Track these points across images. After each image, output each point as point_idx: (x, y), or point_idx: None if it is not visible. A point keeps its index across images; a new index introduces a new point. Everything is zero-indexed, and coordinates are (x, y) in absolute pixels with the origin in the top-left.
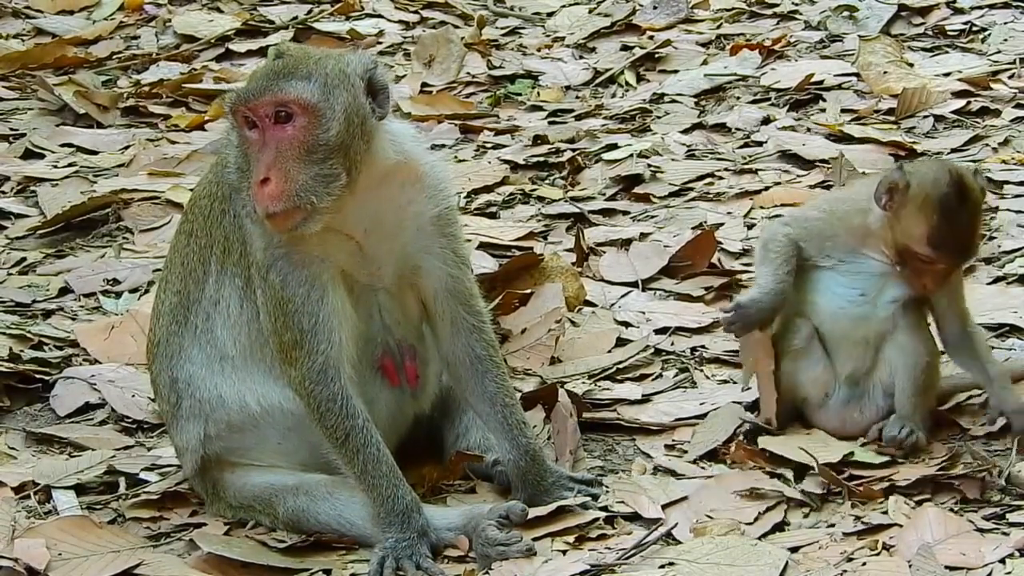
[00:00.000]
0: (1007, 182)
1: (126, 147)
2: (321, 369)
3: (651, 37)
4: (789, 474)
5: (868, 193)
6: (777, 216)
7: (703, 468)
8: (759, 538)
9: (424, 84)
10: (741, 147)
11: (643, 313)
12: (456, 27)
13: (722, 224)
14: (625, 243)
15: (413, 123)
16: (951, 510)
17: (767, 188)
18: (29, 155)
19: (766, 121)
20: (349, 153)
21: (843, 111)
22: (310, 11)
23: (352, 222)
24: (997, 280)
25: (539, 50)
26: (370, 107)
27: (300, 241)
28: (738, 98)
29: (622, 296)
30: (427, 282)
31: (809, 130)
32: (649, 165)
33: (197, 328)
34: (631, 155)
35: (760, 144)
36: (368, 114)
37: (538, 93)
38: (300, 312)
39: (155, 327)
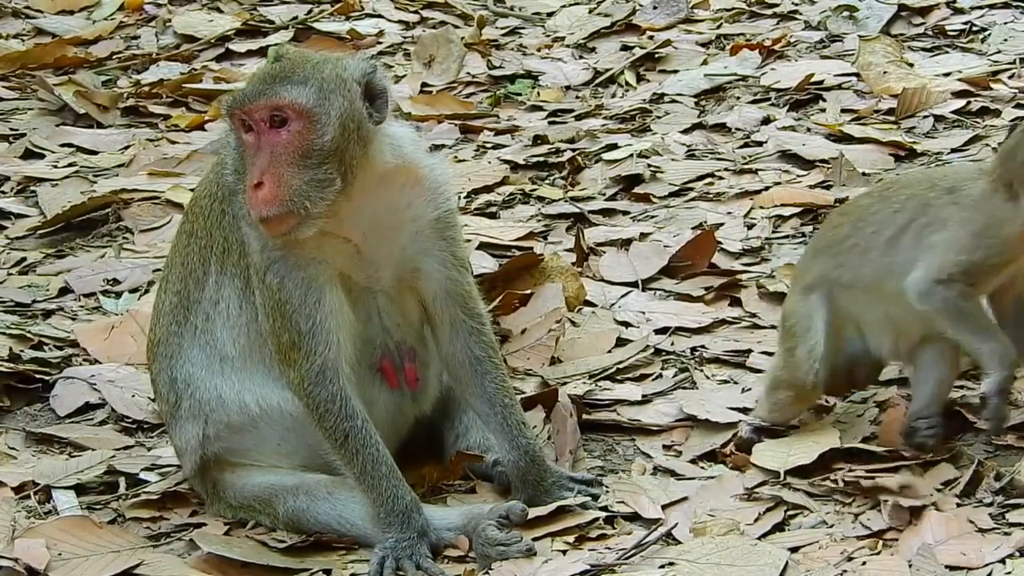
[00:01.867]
0: None
1: (126, 147)
2: (320, 371)
3: (651, 37)
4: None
5: (993, 200)
6: (937, 280)
7: (703, 468)
8: (759, 538)
9: (424, 84)
10: (741, 147)
11: (643, 313)
12: (456, 27)
13: (722, 224)
14: (625, 243)
15: (413, 124)
16: (952, 509)
17: (767, 188)
18: (29, 155)
19: (766, 121)
20: (344, 158)
21: (843, 111)
22: (310, 11)
23: (349, 225)
24: None
25: (539, 50)
26: (367, 112)
27: (296, 243)
28: (738, 98)
29: (622, 296)
30: (426, 284)
31: (809, 130)
32: (649, 165)
33: (197, 328)
34: (631, 155)
35: (760, 144)
36: (364, 119)
37: (538, 93)
38: (297, 314)
39: (155, 327)
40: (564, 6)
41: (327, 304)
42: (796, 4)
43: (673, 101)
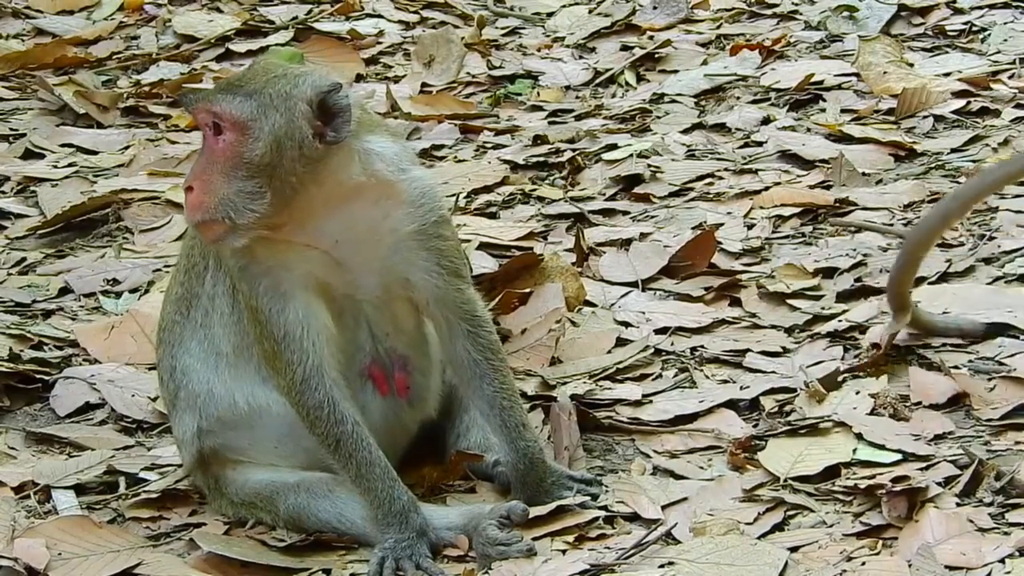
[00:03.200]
0: None
1: (126, 147)
2: (304, 378)
3: (651, 37)
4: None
5: None
6: None
7: (703, 469)
8: (759, 538)
9: (424, 84)
10: (741, 147)
11: (643, 313)
12: (456, 27)
13: (722, 224)
14: (625, 243)
15: (414, 124)
16: (952, 509)
17: (767, 188)
18: (29, 155)
19: (766, 121)
20: (277, 174)
21: (843, 111)
22: (310, 11)
23: (313, 235)
24: (996, 280)
25: (539, 50)
26: (316, 131)
27: (252, 250)
28: (738, 98)
29: (622, 296)
30: (416, 293)
31: (809, 130)
32: (649, 165)
33: (197, 322)
34: (631, 155)
35: (760, 144)
36: (307, 139)
37: (538, 93)
38: (269, 322)
39: (163, 313)
40: (564, 6)
41: (293, 313)
42: (796, 4)
43: (673, 101)
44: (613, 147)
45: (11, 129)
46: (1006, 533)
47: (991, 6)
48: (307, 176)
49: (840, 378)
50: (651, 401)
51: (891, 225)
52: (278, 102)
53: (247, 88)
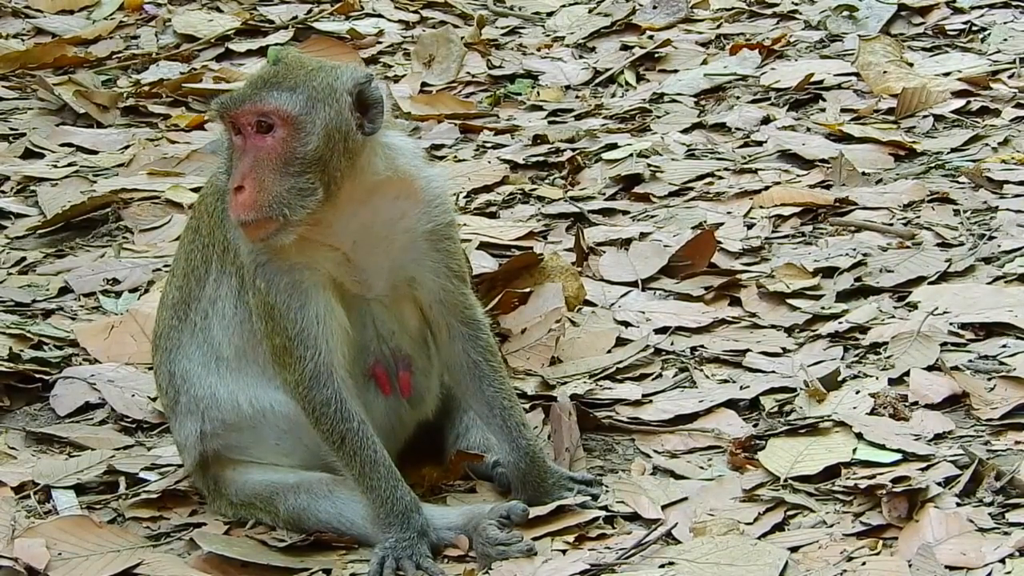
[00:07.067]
0: (1007, 182)
1: (126, 147)
2: (313, 374)
3: (651, 37)
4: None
5: None
6: None
7: (703, 469)
8: (759, 538)
9: (424, 84)
10: (741, 147)
11: (643, 313)
12: (456, 27)
13: (722, 224)
14: (625, 243)
15: (414, 124)
16: (952, 509)
17: (767, 188)
18: (29, 155)
19: (766, 121)
20: (328, 168)
21: (843, 111)
22: (310, 11)
23: (337, 234)
24: (996, 280)
25: (539, 50)
26: (357, 123)
27: (281, 249)
28: (738, 98)
29: (622, 296)
30: (421, 293)
31: (809, 130)
32: (649, 165)
33: (196, 326)
34: (631, 155)
35: (760, 144)
36: (352, 130)
37: (538, 93)
38: (285, 318)
39: (159, 319)
40: (564, 6)
41: (312, 309)
42: (796, 4)
43: (673, 101)
44: (613, 147)
45: (11, 129)
46: (1006, 533)
47: (991, 6)
48: (349, 169)
49: (840, 378)
50: (651, 401)
51: (891, 225)
52: (325, 95)
53: (289, 83)
